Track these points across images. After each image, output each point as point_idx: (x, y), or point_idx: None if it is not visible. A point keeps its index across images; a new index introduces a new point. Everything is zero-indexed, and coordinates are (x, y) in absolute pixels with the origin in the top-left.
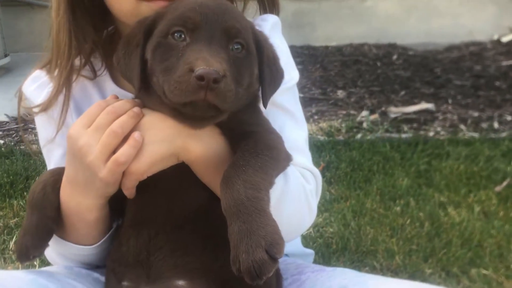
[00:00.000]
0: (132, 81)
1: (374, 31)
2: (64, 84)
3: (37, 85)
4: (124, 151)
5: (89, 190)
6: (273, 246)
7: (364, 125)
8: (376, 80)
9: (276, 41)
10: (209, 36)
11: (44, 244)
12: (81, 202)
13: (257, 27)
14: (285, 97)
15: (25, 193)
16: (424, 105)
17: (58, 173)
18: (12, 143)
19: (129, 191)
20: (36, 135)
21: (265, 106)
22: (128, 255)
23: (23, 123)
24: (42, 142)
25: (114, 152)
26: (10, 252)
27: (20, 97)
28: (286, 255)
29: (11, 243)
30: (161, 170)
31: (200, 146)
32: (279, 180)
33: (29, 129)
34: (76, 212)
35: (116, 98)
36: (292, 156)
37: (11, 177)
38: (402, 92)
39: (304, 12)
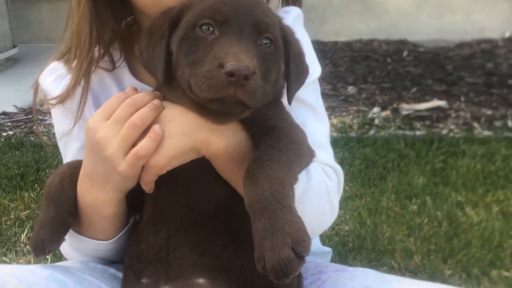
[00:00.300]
0: (155, 74)
1: (384, 27)
2: (84, 76)
3: (54, 77)
4: (144, 144)
5: (107, 184)
6: (299, 243)
7: (376, 121)
8: (386, 77)
9: (299, 34)
10: (239, 30)
11: (60, 238)
12: (98, 196)
13: None
14: (307, 92)
15: (36, 185)
16: (436, 103)
17: (76, 166)
18: (22, 134)
19: (148, 186)
20: (46, 126)
21: (289, 102)
22: (147, 252)
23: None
24: (58, 135)
25: (133, 145)
26: (22, 245)
27: (36, 88)
28: None
29: (23, 236)
30: (181, 165)
31: (222, 141)
32: (301, 177)
33: (39, 121)
34: (93, 207)
35: (135, 90)
36: (315, 152)
37: (21, 168)
38: (414, 89)
39: (314, 6)
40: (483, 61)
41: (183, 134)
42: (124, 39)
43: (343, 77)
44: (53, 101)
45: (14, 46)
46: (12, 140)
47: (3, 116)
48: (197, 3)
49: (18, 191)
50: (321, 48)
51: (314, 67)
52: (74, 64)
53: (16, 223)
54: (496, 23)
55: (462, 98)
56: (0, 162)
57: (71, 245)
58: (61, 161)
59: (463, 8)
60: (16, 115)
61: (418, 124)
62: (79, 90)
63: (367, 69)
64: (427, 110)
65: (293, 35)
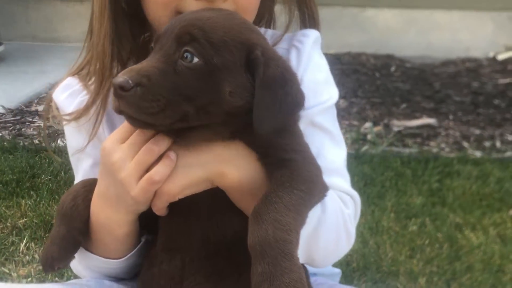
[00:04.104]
0: None
1: (372, 41)
2: (104, 95)
3: (69, 93)
4: (158, 170)
5: (120, 206)
6: None
7: (369, 137)
8: (376, 92)
9: (315, 57)
10: (162, 44)
11: (70, 256)
12: (111, 216)
13: (297, 43)
14: (324, 117)
15: (31, 192)
16: (426, 120)
17: (90, 184)
18: (10, 137)
19: (160, 211)
20: (35, 129)
21: (260, 132)
22: (160, 278)
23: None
24: (70, 150)
25: (147, 170)
26: (21, 255)
27: (49, 103)
28: (315, 274)
29: (22, 245)
30: (195, 193)
31: (236, 172)
32: (316, 208)
33: (27, 122)
34: (105, 226)
35: None
36: (328, 188)
37: (16, 174)
38: (403, 105)
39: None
40: (469, 79)
41: (198, 164)
42: (139, 56)
43: None
44: (68, 117)
45: (0, 44)
46: (5, 144)
47: None
48: None
49: (15, 198)
50: None
51: (332, 91)
52: (91, 81)
53: (14, 232)
54: (481, 43)
55: (451, 117)
56: None
57: (81, 262)
58: (57, 168)
59: (450, 27)
60: (4, 115)
61: (410, 142)
62: (94, 108)
63: (357, 83)
64: (417, 127)
65: (271, 59)
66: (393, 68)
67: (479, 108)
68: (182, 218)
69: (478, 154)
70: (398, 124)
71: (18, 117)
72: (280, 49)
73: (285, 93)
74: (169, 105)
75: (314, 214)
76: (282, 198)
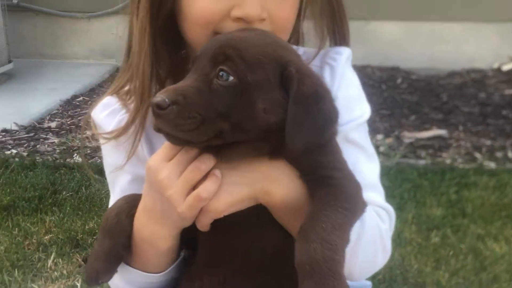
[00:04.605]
0: None
1: (377, 53)
2: (143, 114)
3: (108, 112)
4: (206, 187)
5: (165, 221)
6: None
7: (381, 149)
8: (384, 104)
9: (348, 74)
10: (198, 65)
11: (113, 270)
12: (155, 231)
13: (330, 60)
14: (357, 133)
15: (54, 208)
16: (437, 131)
17: (133, 199)
18: (26, 153)
19: (204, 227)
20: (50, 145)
21: (293, 148)
22: None
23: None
24: (108, 168)
25: (193, 188)
26: (50, 271)
27: (86, 122)
28: None
29: (49, 262)
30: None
31: (281, 190)
32: (355, 224)
33: (41, 139)
34: (149, 241)
35: None
36: (367, 203)
37: (38, 191)
38: (412, 117)
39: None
40: (475, 90)
41: (243, 182)
42: (176, 74)
43: None
44: (108, 136)
45: (9, 61)
46: (26, 162)
47: (4, 134)
48: None
49: (38, 215)
50: None
51: (364, 108)
52: (130, 100)
53: (40, 248)
54: (485, 54)
55: (461, 128)
56: (15, 184)
57: (121, 277)
58: (78, 183)
59: (454, 39)
60: (17, 132)
61: (422, 153)
62: (133, 126)
63: (365, 95)
64: (428, 138)
65: (305, 76)
66: (399, 80)
67: (488, 119)
68: (223, 233)
69: (491, 165)
70: (409, 136)
71: (31, 134)
72: (313, 66)
73: (319, 110)
74: (204, 122)
75: (354, 230)
76: (329, 217)
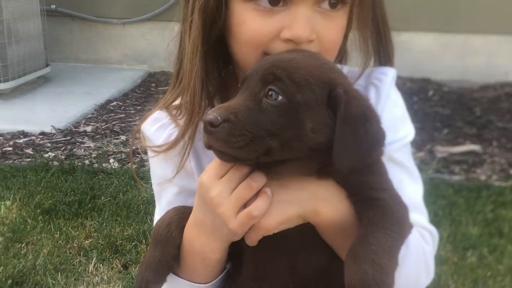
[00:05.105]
0: None
1: (408, 65)
2: (192, 129)
3: (158, 126)
4: (258, 205)
5: (216, 235)
6: None
7: None
8: (415, 116)
9: (393, 94)
10: (248, 84)
11: (163, 279)
12: (206, 244)
13: (375, 81)
14: (402, 153)
15: (93, 213)
16: (470, 147)
17: (183, 211)
18: (63, 157)
19: (253, 243)
20: (86, 149)
21: (340, 168)
22: None
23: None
24: (155, 179)
25: (244, 205)
26: (91, 276)
27: (136, 134)
28: None
29: (90, 266)
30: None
31: (329, 211)
32: None
33: (77, 143)
34: (199, 252)
35: None
36: (413, 225)
37: (78, 195)
38: (445, 131)
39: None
40: (509, 105)
41: (293, 201)
42: (225, 90)
43: None
44: (158, 149)
45: (47, 65)
46: (65, 165)
47: (42, 137)
48: None
49: (79, 219)
50: None
51: (408, 128)
52: (181, 115)
53: (81, 253)
54: None
55: (495, 143)
56: (56, 187)
57: (169, 287)
58: (116, 189)
59: (487, 51)
60: (55, 136)
61: (456, 168)
62: (182, 141)
63: None
64: (462, 154)
65: (353, 97)
66: (430, 92)
67: None
68: (271, 248)
69: None
70: (442, 150)
71: (68, 138)
72: (358, 86)
73: (366, 131)
74: (254, 139)
75: None
76: (379, 240)
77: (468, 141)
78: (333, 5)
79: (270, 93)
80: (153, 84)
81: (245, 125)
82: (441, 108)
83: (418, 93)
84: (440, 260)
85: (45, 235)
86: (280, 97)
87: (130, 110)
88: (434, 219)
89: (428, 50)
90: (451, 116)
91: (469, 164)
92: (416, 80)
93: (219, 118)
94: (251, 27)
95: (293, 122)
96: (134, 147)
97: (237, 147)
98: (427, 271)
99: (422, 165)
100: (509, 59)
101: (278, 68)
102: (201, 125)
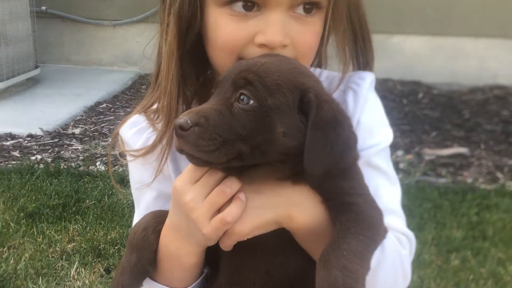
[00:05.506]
0: None
1: (398, 67)
2: (170, 133)
3: (136, 130)
4: (231, 211)
5: (190, 240)
6: None
7: (401, 165)
8: (405, 119)
9: (371, 99)
10: (220, 90)
11: (139, 284)
12: (181, 248)
13: (353, 85)
14: (380, 157)
15: (77, 217)
16: (458, 149)
17: (160, 215)
18: (50, 159)
19: (227, 248)
20: (74, 152)
21: (311, 173)
22: None
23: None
24: (134, 184)
25: (218, 210)
26: (72, 280)
27: (114, 138)
28: None
29: (72, 271)
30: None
31: (304, 215)
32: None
33: (65, 145)
34: (175, 256)
35: None
36: (387, 229)
37: (62, 199)
38: (433, 133)
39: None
40: (498, 107)
41: (268, 207)
42: (202, 95)
43: None
44: (136, 153)
45: (36, 67)
46: (51, 168)
47: (29, 139)
48: None
49: (62, 222)
50: None
51: (387, 133)
52: (158, 119)
53: (63, 257)
54: (509, 70)
55: (482, 146)
56: (40, 191)
57: None
58: (101, 192)
59: (477, 54)
60: (42, 138)
61: (443, 171)
62: (160, 146)
63: (385, 109)
64: (449, 156)
65: (324, 102)
66: (420, 95)
67: (510, 138)
68: (246, 254)
69: None
70: (429, 153)
71: (56, 140)
72: (337, 90)
73: (337, 135)
74: (224, 144)
75: (374, 256)
76: (350, 245)
77: (456, 144)
78: (307, 10)
79: (241, 97)
80: (143, 86)
81: (215, 129)
82: (431, 110)
83: (408, 96)
84: (423, 263)
85: (28, 239)
86: (251, 101)
87: (120, 112)
88: (419, 222)
89: (419, 53)
90: (440, 118)
91: (456, 167)
92: (406, 83)
93: (189, 121)
94: (226, 32)
95: (264, 126)
96: (114, 152)
97: (207, 150)
98: (404, 275)
99: (409, 168)
100: (499, 62)
101: (249, 73)
102: None
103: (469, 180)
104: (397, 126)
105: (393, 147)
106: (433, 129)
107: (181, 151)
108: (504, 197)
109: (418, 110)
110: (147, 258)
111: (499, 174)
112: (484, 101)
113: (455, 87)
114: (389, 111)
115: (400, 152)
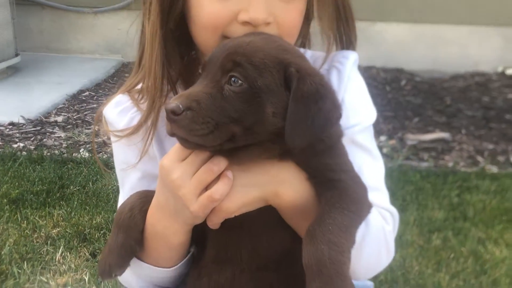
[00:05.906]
0: None
1: (381, 55)
2: (155, 113)
3: (119, 110)
4: (218, 188)
5: (178, 218)
6: None
7: (384, 150)
8: (388, 105)
9: (355, 78)
10: (208, 72)
11: (126, 264)
12: (168, 226)
13: (337, 64)
14: (363, 135)
15: (62, 202)
16: (440, 134)
17: (146, 195)
18: (33, 147)
19: (214, 226)
20: (57, 139)
21: (291, 146)
22: None
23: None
24: (119, 164)
25: (205, 188)
26: (58, 264)
27: (98, 119)
28: None
29: (57, 255)
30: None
31: (290, 193)
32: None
33: (48, 133)
34: (162, 235)
35: None
36: (372, 204)
37: (46, 185)
38: (416, 119)
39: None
40: (479, 94)
41: (254, 184)
42: (187, 75)
43: None
44: (120, 134)
45: (16, 55)
46: (34, 155)
47: (11, 127)
48: None
49: (46, 208)
50: None
51: (370, 111)
52: (143, 99)
53: (48, 242)
54: (490, 57)
55: (463, 131)
56: (23, 177)
57: (133, 271)
58: (85, 178)
59: (458, 42)
60: (24, 126)
61: (425, 155)
62: (145, 126)
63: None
64: (431, 141)
65: (306, 76)
66: (403, 82)
67: (491, 123)
68: (233, 231)
69: (493, 169)
70: (412, 138)
71: (38, 128)
72: (321, 69)
73: (319, 109)
74: (217, 127)
75: (359, 230)
76: (335, 220)
77: (438, 129)
78: None
79: (233, 79)
80: (126, 74)
81: (208, 112)
82: (413, 97)
83: (391, 83)
84: (406, 243)
85: (12, 224)
86: (242, 83)
87: (103, 100)
88: (402, 204)
89: (401, 41)
90: (422, 105)
91: (438, 151)
92: (389, 70)
93: (180, 106)
94: (209, 11)
95: (255, 107)
96: (98, 139)
97: (201, 134)
98: (387, 250)
99: (392, 153)
100: (480, 49)
101: (237, 55)
102: (163, 111)
103: (450, 164)
104: (380, 112)
105: (377, 132)
106: (416, 115)
107: (173, 134)
108: (484, 179)
109: (401, 96)
110: (134, 237)
111: (479, 158)
112: (465, 87)
113: (437, 74)
114: (372, 98)
115: (383, 138)
